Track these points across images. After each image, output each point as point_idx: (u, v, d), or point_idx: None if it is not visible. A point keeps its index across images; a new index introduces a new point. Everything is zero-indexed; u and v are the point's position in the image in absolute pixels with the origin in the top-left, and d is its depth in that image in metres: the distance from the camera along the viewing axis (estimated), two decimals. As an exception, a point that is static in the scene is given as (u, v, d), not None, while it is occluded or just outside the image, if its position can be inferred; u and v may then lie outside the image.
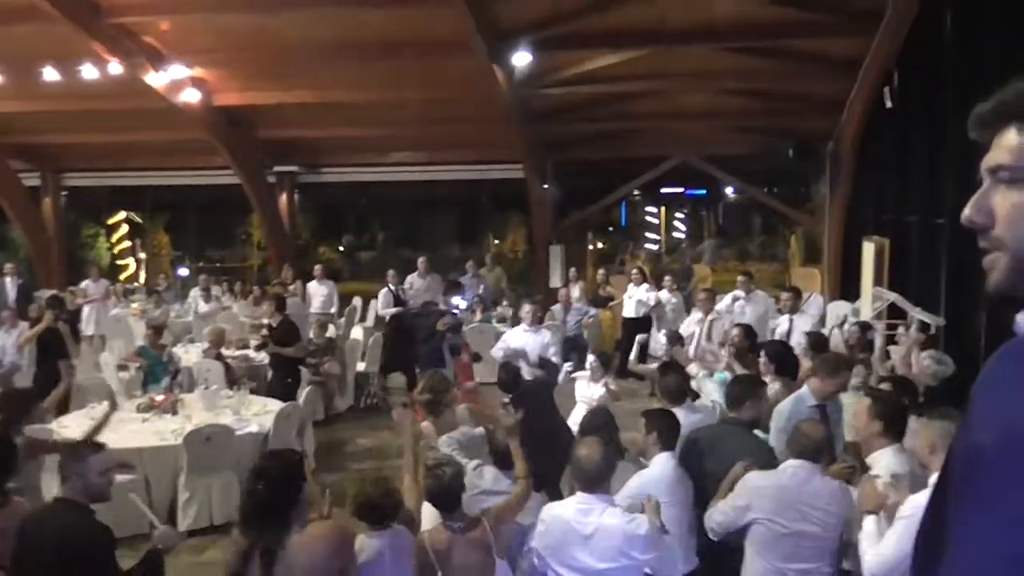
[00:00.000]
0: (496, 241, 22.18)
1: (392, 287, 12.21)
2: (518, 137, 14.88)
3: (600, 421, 4.99)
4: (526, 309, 8.85)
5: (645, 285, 12.60)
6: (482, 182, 19.12)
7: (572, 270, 14.89)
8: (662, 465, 4.31)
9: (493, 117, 13.91)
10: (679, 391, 5.33)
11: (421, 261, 13.87)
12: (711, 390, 6.30)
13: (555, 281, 16.46)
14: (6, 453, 4.08)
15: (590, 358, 7.37)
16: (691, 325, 9.34)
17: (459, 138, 16.15)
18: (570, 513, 3.81)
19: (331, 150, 17.30)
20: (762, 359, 6.04)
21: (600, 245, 22.08)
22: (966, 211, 1.10)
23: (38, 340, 8.82)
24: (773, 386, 5.80)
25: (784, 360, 5.95)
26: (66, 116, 14.66)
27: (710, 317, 9.27)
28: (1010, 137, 1.07)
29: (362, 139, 16.45)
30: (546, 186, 16.28)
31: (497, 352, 8.33)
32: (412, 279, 13.54)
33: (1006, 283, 1.05)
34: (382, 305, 12.21)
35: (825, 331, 9.00)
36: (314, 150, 17.30)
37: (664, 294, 12.62)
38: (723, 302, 10.41)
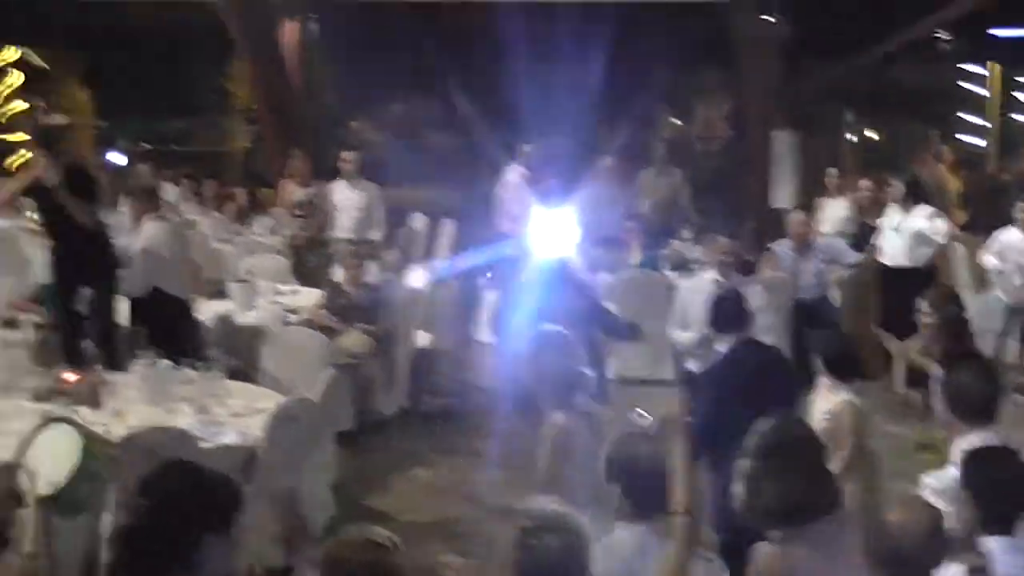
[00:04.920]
0: (676, 121, 22.01)
1: None
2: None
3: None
4: (720, 245, 8.80)
5: (926, 208, 12.45)
6: (654, 9, 18.97)
7: (832, 172, 14.89)
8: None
9: None
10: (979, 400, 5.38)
11: (527, 151, 13.98)
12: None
13: (782, 197, 16.33)
14: None
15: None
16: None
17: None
18: None
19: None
20: None
21: (870, 135, 21.68)
22: None
23: None
24: None
25: None
26: None
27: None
28: None
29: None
30: (769, 18, 16.08)
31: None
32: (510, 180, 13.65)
33: None
34: None
35: None
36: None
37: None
38: None
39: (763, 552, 4.46)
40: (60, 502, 5.17)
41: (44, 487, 4.77)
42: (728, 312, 7.07)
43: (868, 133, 21.19)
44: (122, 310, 10.58)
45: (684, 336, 8.44)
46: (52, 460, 4.88)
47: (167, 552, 3.62)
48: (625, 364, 12.10)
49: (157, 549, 3.63)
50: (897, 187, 12.84)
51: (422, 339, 12.00)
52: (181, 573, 3.63)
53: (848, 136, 19.85)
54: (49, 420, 5.07)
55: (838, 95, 18.64)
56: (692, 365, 8.46)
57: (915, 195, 12.64)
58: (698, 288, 8.79)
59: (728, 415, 6.11)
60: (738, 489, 4.48)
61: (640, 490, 4.68)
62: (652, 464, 4.61)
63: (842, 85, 18.10)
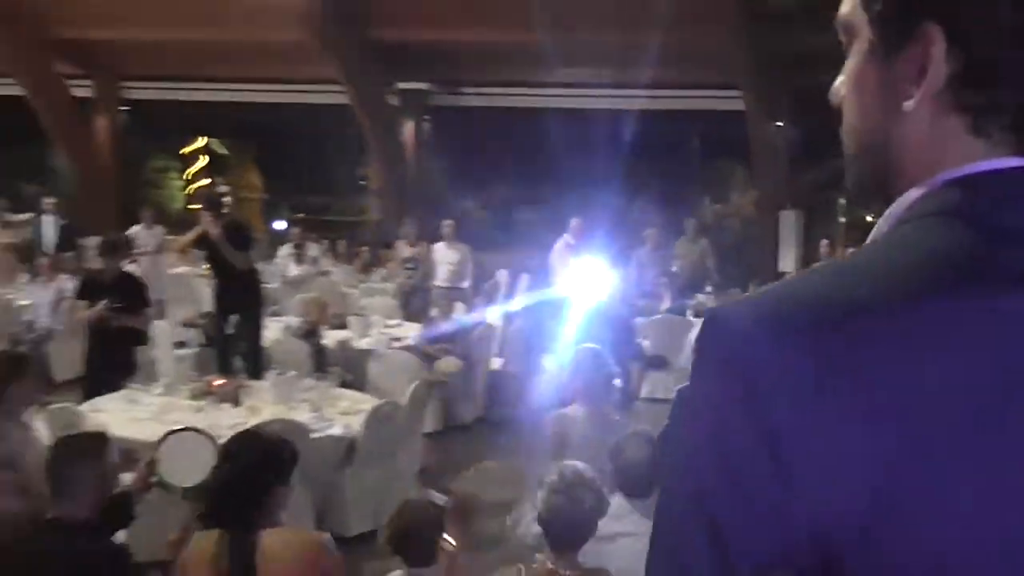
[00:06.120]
0: (717, 206, 21.99)
1: None
2: (738, 48, 14.92)
3: None
4: (731, 296, 8.80)
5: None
6: (691, 116, 19.08)
7: (824, 243, 14.86)
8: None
9: (704, 16, 14.01)
10: None
11: (574, 224, 14.19)
12: None
13: (786, 263, 16.35)
14: None
15: None
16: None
17: (649, 48, 16.12)
18: None
19: (477, 61, 17.82)
20: None
21: (861, 216, 21.49)
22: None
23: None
24: None
25: None
26: (126, 3, 15.88)
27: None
28: None
29: (517, 46, 16.82)
30: (779, 124, 16.11)
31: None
32: (558, 246, 13.88)
33: (850, 180, 1.19)
34: None
35: None
36: (453, 61, 17.85)
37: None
38: None
39: None
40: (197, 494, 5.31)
41: (184, 481, 4.97)
42: None
43: (861, 215, 21.00)
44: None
45: None
46: (191, 460, 5.04)
47: (247, 499, 3.83)
48: (655, 387, 12.14)
49: (240, 498, 3.83)
50: None
51: (496, 364, 12.10)
52: (255, 514, 3.81)
53: (841, 218, 19.77)
54: (183, 429, 5.22)
55: (834, 184, 18.54)
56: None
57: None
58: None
59: None
60: None
61: (628, 476, 4.67)
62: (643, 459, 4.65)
63: (838, 176, 17.98)
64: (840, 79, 1.16)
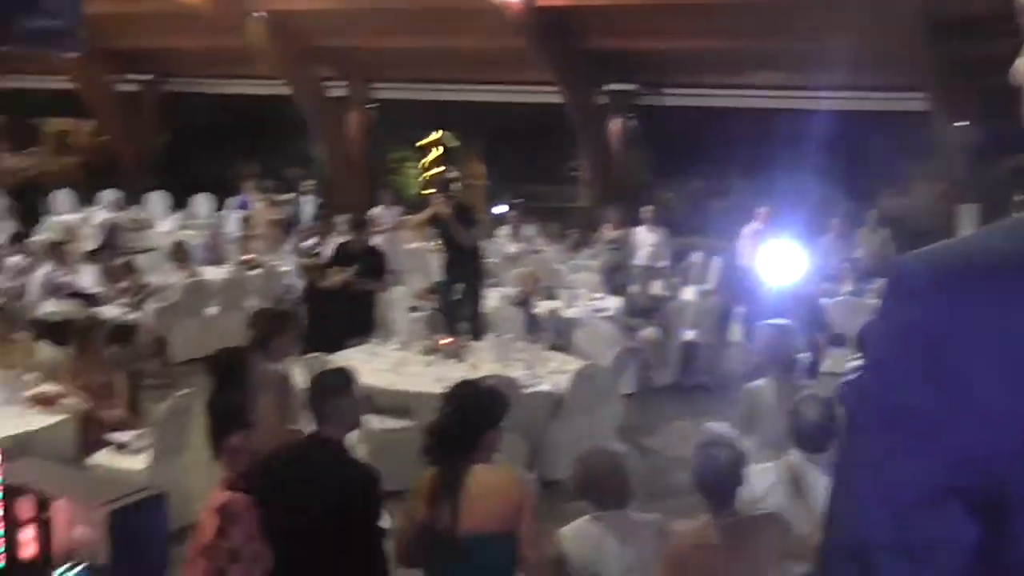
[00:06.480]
0: (898, 199, 21.19)
1: None
2: (922, 53, 14.25)
3: None
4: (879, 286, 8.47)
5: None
6: (874, 116, 18.31)
7: None
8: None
9: (886, 25, 13.44)
10: None
11: (762, 212, 13.80)
12: None
13: (965, 252, 15.71)
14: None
15: None
16: None
17: (836, 53, 15.70)
18: None
19: (678, 66, 17.66)
20: None
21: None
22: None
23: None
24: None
25: None
26: (376, 14, 16.36)
27: None
28: None
29: (715, 52, 16.58)
30: (961, 124, 15.31)
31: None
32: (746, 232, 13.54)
33: None
34: None
35: None
36: (657, 65, 17.69)
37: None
38: None
39: None
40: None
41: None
42: None
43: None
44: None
45: None
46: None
47: (461, 440, 3.93)
48: (835, 362, 11.78)
49: (455, 439, 3.93)
50: None
51: (690, 335, 11.89)
52: (468, 454, 3.91)
53: (1016, 212, 18.65)
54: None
55: (1011, 180, 17.56)
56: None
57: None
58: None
59: None
60: None
61: (804, 434, 4.58)
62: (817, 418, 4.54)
63: (1015, 173, 17.01)
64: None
